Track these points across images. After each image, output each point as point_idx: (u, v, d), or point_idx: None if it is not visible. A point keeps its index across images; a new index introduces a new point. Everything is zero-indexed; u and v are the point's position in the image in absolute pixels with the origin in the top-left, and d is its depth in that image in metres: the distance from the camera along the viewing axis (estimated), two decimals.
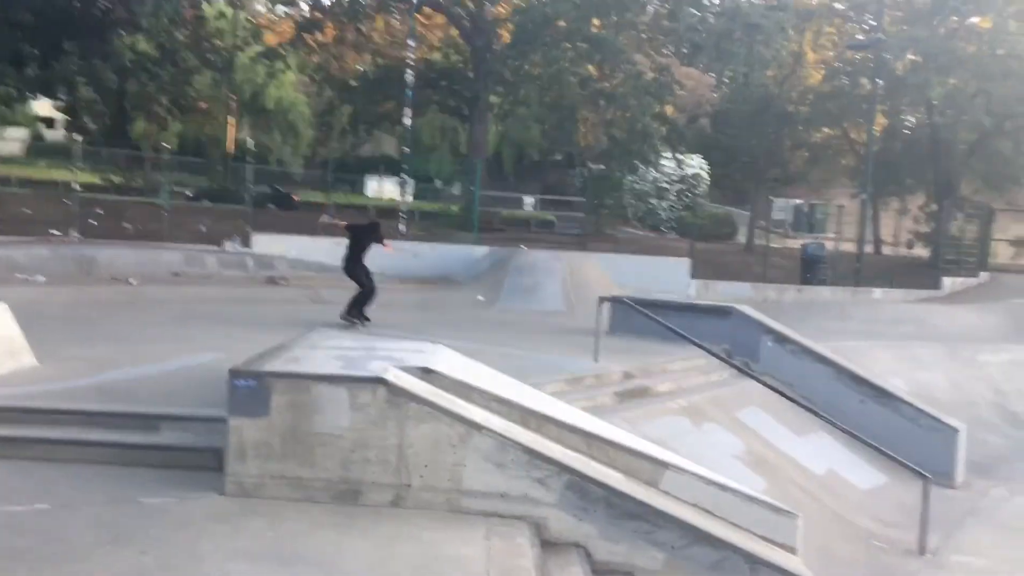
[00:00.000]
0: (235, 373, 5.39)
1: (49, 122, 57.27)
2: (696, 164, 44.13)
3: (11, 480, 5.33)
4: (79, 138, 26.69)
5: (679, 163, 41.10)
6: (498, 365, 7.10)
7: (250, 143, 31.02)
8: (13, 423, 6.01)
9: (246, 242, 22.38)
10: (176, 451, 5.81)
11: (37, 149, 52.45)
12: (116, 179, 31.62)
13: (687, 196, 44.38)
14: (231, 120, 43.83)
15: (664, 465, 5.73)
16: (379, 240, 13.50)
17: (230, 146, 42.64)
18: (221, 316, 13.89)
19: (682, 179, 44.00)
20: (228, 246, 22.06)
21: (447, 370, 5.73)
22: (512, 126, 43.16)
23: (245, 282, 19.44)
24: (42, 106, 47.55)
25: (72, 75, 29.45)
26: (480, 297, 19.52)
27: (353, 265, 13.40)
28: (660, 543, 5.29)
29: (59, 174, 34.67)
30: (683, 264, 25.42)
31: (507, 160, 53.93)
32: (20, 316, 7.91)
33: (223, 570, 4.20)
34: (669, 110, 38.24)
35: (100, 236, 21.17)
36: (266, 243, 22.30)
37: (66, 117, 43.99)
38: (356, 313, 13.31)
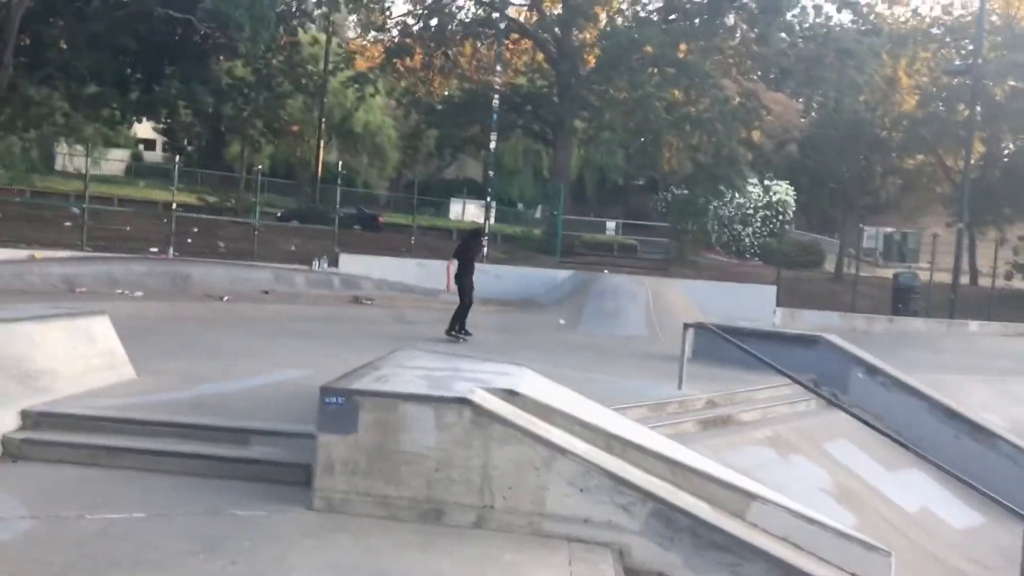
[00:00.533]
0: (325, 390, 5.48)
1: (149, 144, 59.67)
2: (782, 190, 43.45)
3: (112, 488, 5.53)
4: (177, 159, 27.72)
5: (765, 189, 40.49)
6: (581, 389, 7.09)
7: (339, 165, 31.76)
8: (115, 433, 6.23)
9: (333, 262, 22.98)
10: (265, 465, 5.94)
11: (137, 169, 54.63)
12: (210, 199, 32.71)
13: (773, 223, 43.71)
14: (320, 143, 44.94)
15: (751, 496, 5.61)
16: (479, 244, 14.96)
17: (319, 168, 43.72)
18: (308, 333, 14.26)
19: (768, 205, 43.37)
20: (316, 265, 22.65)
21: (531, 393, 5.74)
22: (595, 150, 43.29)
23: (331, 301, 20.02)
24: (142, 128, 49.57)
25: (173, 99, 30.72)
26: (562, 320, 19.54)
27: (461, 276, 14.28)
28: None
29: (157, 194, 36.05)
30: (768, 292, 25.02)
31: (589, 184, 53.92)
32: (119, 329, 8.23)
33: None
34: (756, 135, 37.85)
35: (194, 254, 21.94)
36: (352, 263, 22.93)
37: (165, 139, 45.99)
38: (458, 327, 14.08)
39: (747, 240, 43.32)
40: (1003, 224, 41.80)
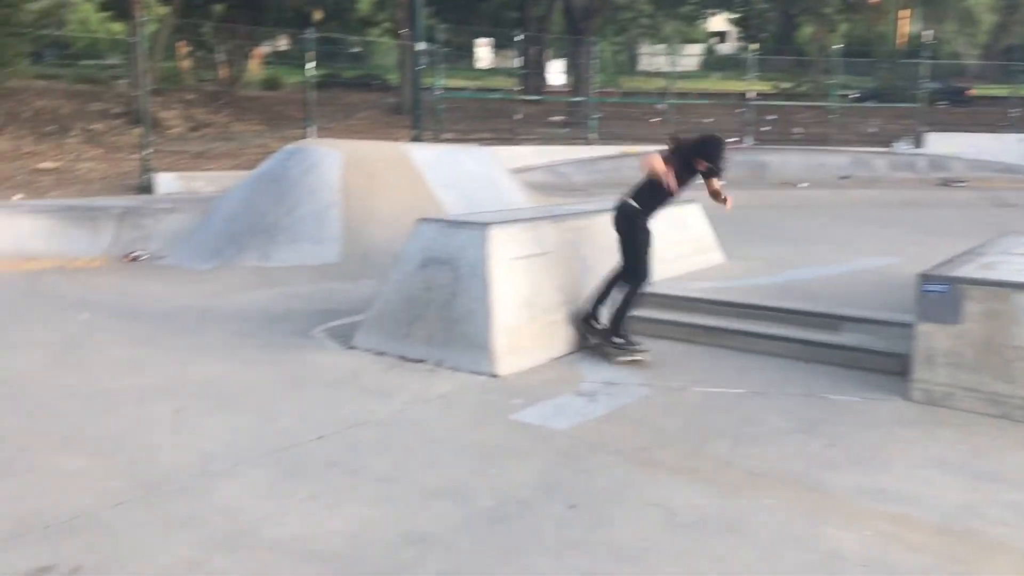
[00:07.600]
0: (925, 278, 5.20)
1: (721, 36, 61.06)
2: None
3: (711, 364, 5.95)
4: (749, 47, 27.88)
5: None
6: None
7: (925, 36, 28.92)
8: (711, 314, 6.66)
9: (917, 142, 21.54)
10: (857, 352, 5.86)
11: (710, 63, 56.28)
12: (784, 85, 32.42)
13: None
14: (903, 14, 41.46)
15: None
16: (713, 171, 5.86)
17: (900, 42, 40.39)
18: (891, 220, 13.67)
19: None
20: (897, 147, 21.44)
21: None
22: None
23: (915, 184, 18.96)
24: (715, 21, 50.56)
25: None
26: None
27: (635, 216, 5.99)
28: None
29: (731, 85, 36.83)
30: None
31: None
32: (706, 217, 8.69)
33: (913, 474, 4.15)
34: None
35: (770, 142, 22.18)
36: (939, 143, 21.28)
37: (738, 28, 46.76)
38: (613, 329, 6.12)
39: None
40: None
